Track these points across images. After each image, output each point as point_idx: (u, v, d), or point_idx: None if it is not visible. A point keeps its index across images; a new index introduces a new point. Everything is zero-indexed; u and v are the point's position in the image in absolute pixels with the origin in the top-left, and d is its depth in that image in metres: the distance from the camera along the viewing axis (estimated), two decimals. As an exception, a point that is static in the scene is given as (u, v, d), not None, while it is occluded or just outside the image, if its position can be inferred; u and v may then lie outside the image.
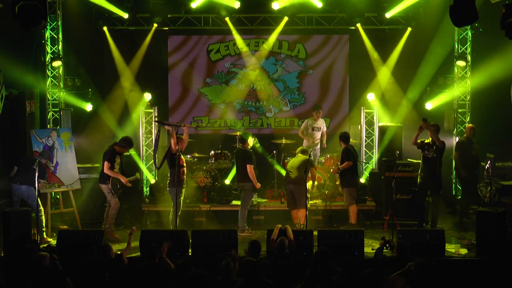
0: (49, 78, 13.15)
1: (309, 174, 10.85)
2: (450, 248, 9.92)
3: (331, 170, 11.76)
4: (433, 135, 10.90)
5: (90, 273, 7.67)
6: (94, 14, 13.16)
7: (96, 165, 12.28)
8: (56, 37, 13.05)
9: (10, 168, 10.82)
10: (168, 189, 10.82)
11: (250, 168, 10.97)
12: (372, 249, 9.32)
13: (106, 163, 10.79)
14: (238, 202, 11.91)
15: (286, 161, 12.36)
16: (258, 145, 12.16)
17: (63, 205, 11.62)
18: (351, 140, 11.81)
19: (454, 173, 13.41)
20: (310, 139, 12.63)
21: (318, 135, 12.73)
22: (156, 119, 13.13)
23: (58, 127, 12.80)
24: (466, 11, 8.66)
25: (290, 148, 12.72)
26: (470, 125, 12.21)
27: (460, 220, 11.72)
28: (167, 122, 11.06)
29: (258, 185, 11.14)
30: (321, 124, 12.82)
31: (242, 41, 13.98)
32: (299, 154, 11.24)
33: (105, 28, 13.43)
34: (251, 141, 11.30)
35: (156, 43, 13.85)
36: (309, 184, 11.14)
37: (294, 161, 11.14)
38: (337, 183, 11.64)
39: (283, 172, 11.93)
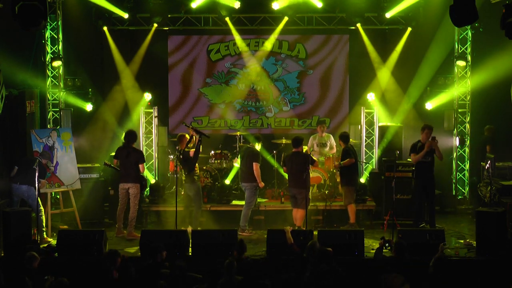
0: (49, 78, 13.16)
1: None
2: (450, 248, 9.92)
3: (333, 166, 11.73)
4: (438, 152, 10.90)
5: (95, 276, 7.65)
6: (94, 14, 13.16)
7: (96, 165, 12.29)
8: (56, 37, 13.06)
9: (10, 168, 10.82)
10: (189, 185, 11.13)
11: (256, 166, 10.98)
12: (372, 249, 9.31)
13: (143, 165, 11.01)
14: (238, 202, 11.95)
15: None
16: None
17: (63, 205, 11.61)
18: (351, 140, 11.84)
19: (454, 173, 13.41)
20: (318, 155, 12.38)
21: (324, 151, 12.50)
22: (156, 118, 13.17)
23: (58, 127, 12.80)
24: (466, 11, 8.66)
25: (290, 148, 12.67)
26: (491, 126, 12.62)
27: None
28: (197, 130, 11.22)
29: (262, 184, 11.15)
30: (327, 140, 12.54)
31: (242, 41, 13.98)
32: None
33: (105, 28, 13.42)
34: (258, 146, 11.29)
35: (156, 43, 13.84)
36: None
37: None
38: (338, 180, 11.65)
39: (283, 172, 11.92)
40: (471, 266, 9.23)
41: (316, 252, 7.71)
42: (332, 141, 12.55)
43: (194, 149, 11.02)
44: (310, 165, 10.78)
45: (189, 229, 10.39)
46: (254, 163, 10.99)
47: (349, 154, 11.11)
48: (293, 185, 10.86)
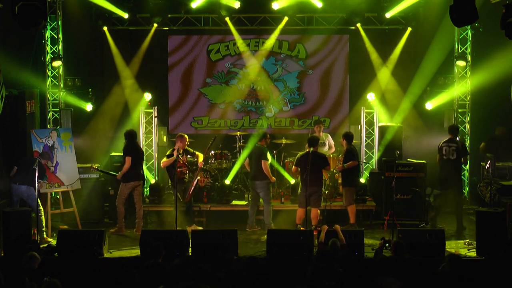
0: (49, 78, 13.16)
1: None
2: (450, 248, 9.92)
3: (336, 168, 11.73)
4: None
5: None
6: (94, 14, 13.16)
7: (96, 165, 12.27)
8: (56, 37, 13.06)
9: (10, 168, 10.81)
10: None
11: (265, 163, 11.00)
12: (372, 249, 9.31)
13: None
14: (238, 202, 11.96)
15: (286, 161, 12.36)
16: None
17: (63, 205, 11.60)
18: (351, 140, 11.81)
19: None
20: None
21: (323, 150, 12.36)
22: (156, 118, 13.17)
23: (58, 127, 12.80)
24: (466, 11, 8.67)
25: (290, 148, 12.72)
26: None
27: None
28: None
29: (273, 178, 11.21)
30: (325, 139, 12.49)
31: (242, 41, 13.99)
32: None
33: (105, 28, 13.43)
34: (269, 157, 11.25)
35: (156, 43, 13.84)
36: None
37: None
38: (339, 181, 11.63)
39: (283, 172, 11.91)
40: (471, 266, 9.22)
41: (338, 251, 7.75)
42: (330, 140, 12.53)
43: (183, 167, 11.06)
44: (323, 168, 10.86)
45: (189, 229, 10.39)
46: (262, 161, 11.01)
47: (353, 156, 11.08)
48: (308, 184, 10.66)
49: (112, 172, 11.58)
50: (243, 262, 7.22)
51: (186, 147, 11.21)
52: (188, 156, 11.22)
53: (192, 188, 11.08)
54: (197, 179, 11.20)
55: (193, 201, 11.49)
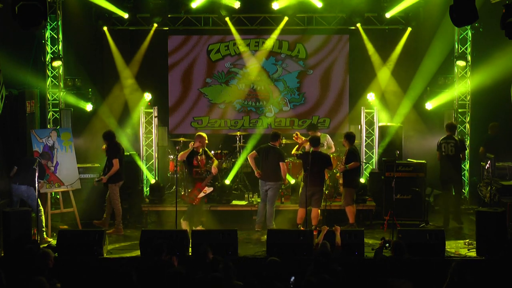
0: (49, 78, 13.16)
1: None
2: (450, 248, 9.93)
3: (338, 168, 11.74)
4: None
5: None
6: (94, 14, 13.16)
7: (96, 165, 12.28)
8: (56, 37, 13.06)
9: (10, 168, 10.81)
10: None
11: (283, 166, 10.96)
12: (372, 249, 9.32)
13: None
14: (238, 202, 11.95)
15: (286, 161, 12.34)
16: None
17: (63, 205, 11.59)
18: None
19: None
20: None
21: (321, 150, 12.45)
22: (156, 118, 13.16)
23: (58, 127, 12.80)
24: (466, 11, 8.67)
25: (290, 148, 12.69)
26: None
27: None
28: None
29: (286, 181, 11.27)
30: (324, 140, 12.29)
31: (242, 41, 13.99)
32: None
33: (105, 28, 13.44)
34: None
35: (156, 43, 13.85)
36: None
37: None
38: (340, 182, 11.63)
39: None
40: (471, 266, 9.22)
41: (328, 254, 7.74)
42: (329, 140, 12.48)
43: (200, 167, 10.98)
44: (325, 168, 10.92)
45: (195, 229, 10.41)
46: (281, 163, 10.95)
47: (354, 156, 11.05)
48: (310, 184, 10.67)
49: (98, 178, 11.50)
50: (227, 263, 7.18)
51: (206, 149, 11.03)
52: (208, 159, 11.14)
53: (202, 194, 10.95)
54: (210, 189, 10.97)
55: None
